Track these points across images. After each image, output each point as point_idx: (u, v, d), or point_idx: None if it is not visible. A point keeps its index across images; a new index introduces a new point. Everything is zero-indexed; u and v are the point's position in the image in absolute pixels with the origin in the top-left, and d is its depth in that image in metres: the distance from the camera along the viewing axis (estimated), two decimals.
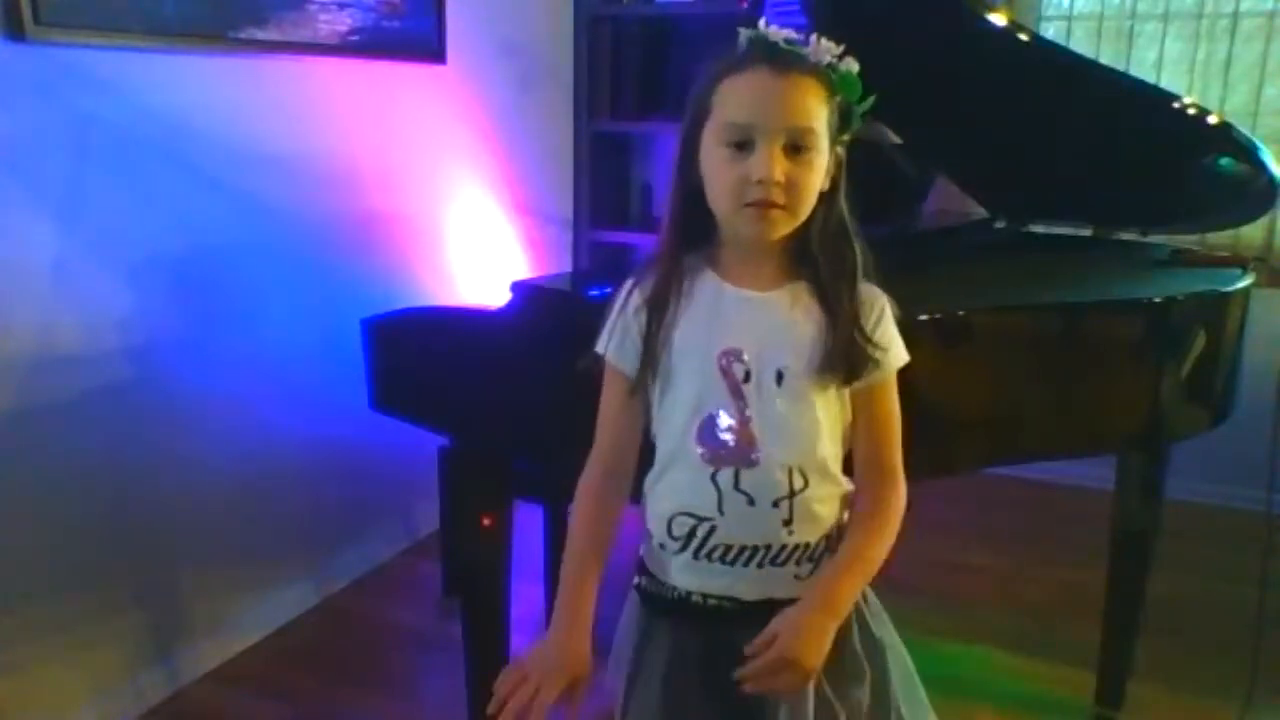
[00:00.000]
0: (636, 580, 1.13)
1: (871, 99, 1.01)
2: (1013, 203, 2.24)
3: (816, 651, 0.97)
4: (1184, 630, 2.26)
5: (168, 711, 1.97)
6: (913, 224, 2.28)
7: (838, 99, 0.99)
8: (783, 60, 0.96)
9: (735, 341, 1.01)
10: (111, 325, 1.83)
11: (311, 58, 2.19)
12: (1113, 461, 1.92)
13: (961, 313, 1.43)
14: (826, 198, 1.01)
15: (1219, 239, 2.70)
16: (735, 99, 0.97)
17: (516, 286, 1.58)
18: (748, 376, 1.00)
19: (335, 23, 2.22)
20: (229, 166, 2.02)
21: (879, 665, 1.10)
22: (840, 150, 1.01)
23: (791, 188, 0.96)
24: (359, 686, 2.08)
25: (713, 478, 1.01)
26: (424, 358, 1.69)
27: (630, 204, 3.46)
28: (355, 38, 2.28)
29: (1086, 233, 2.22)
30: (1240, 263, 1.88)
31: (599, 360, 1.08)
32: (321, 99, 2.25)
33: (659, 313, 1.03)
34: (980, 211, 2.35)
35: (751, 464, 1.00)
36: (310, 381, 2.27)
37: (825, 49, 0.98)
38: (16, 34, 1.59)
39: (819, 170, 0.98)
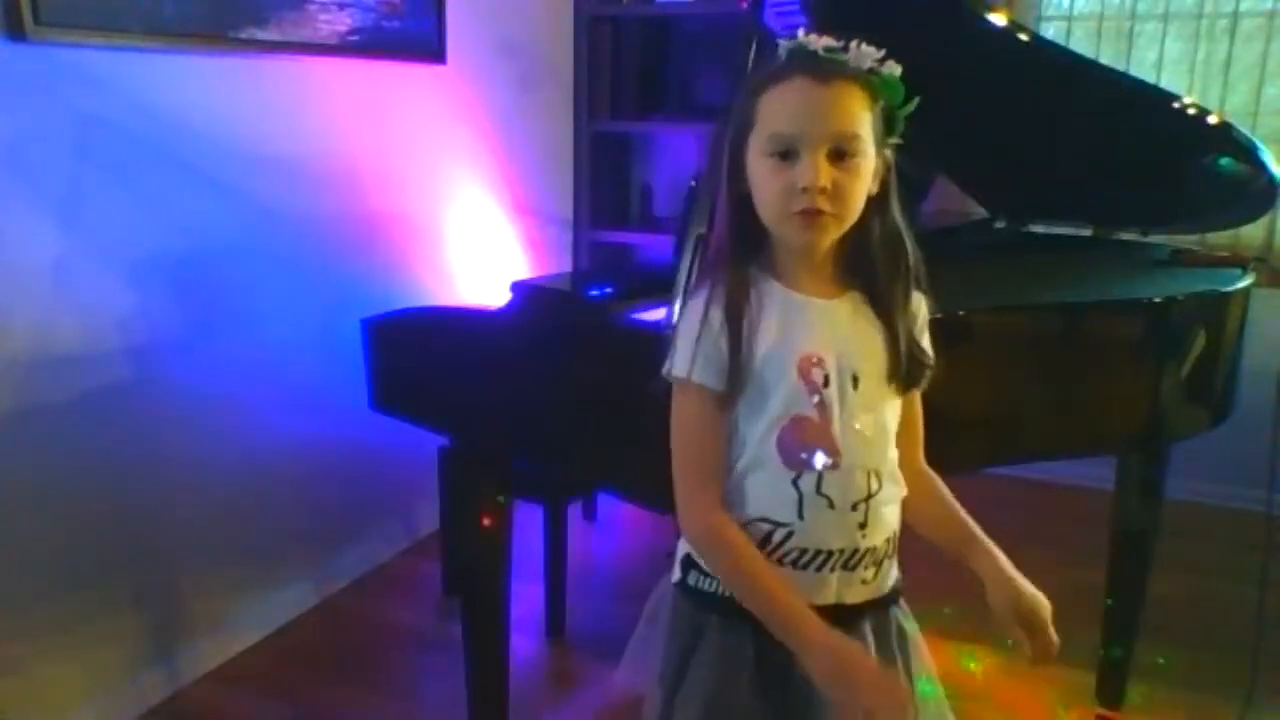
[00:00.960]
0: (679, 577, 1.11)
1: (915, 101, 1.02)
2: (1013, 203, 2.24)
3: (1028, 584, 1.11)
4: (1184, 630, 2.26)
5: (168, 711, 1.97)
6: (912, 224, 2.28)
7: (880, 103, 0.99)
8: (823, 68, 0.97)
9: (813, 347, 1.02)
10: (111, 325, 1.83)
11: (311, 58, 2.19)
12: (1113, 461, 1.92)
13: (961, 313, 1.43)
14: (878, 202, 1.02)
15: (1219, 239, 2.70)
16: (778, 109, 0.98)
17: (516, 286, 1.58)
18: (827, 381, 1.01)
19: (335, 23, 2.21)
20: (229, 166, 2.02)
21: (905, 657, 1.13)
22: (888, 154, 1.02)
23: (838, 195, 0.96)
24: (359, 686, 2.08)
25: (794, 482, 1.01)
26: (424, 358, 1.69)
27: (630, 204, 3.46)
28: (355, 38, 2.28)
29: (1086, 233, 2.22)
30: (1240, 263, 1.88)
31: (666, 384, 1.06)
32: (321, 99, 2.25)
33: (738, 325, 1.02)
34: (980, 211, 2.35)
35: (834, 468, 1.01)
36: (310, 381, 2.27)
37: (866, 54, 0.99)
38: (16, 34, 1.59)
39: (865, 176, 0.99)
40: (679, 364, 1.03)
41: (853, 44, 0.99)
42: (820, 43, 0.98)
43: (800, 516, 1.02)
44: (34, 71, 1.65)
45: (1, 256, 1.63)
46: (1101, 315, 1.59)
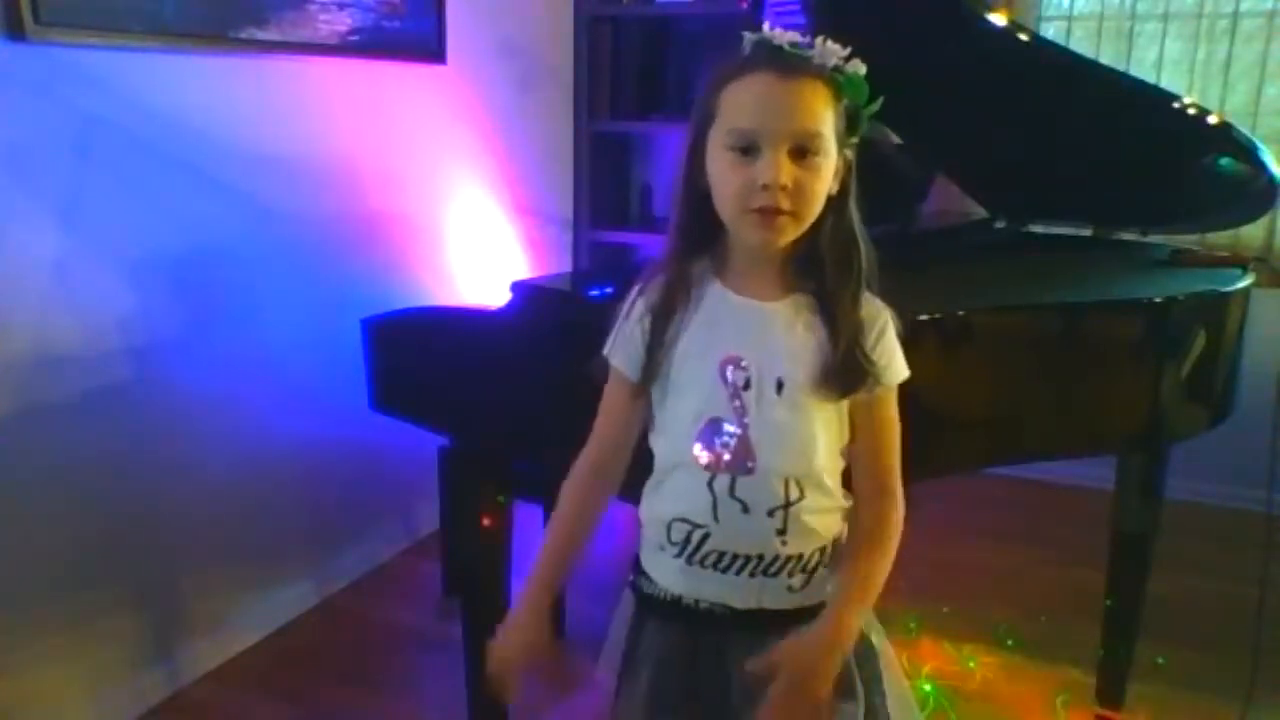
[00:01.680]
0: (631, 578, 1.14)
1: (879, 102, 1.00)
2: (1013, 203, 2.24)
3: (824, 682, 0.98)
4: (1184, 630, 2.26)
5: (168, 711, 1.97)
6: (913, 224, 2.28)
7: (845, 102, 0.98)
8: (788, 63, 0.95)
9: (737, 349, 1.01)
10: (111, 325, 1.83)
11: (311, 58, 2.19)
12: (1113, 461, 1.92)
13: (961, 313, 1.43)
14: (836, 202, 1.00)
15: (1219, 239, 2.70)
16: (740, 103, 0.96)
17: (516, 286, 1.58)
18: (748, 384, 1.00)
19: (335, 23, 2.22)
20: (229, 166, 2.02)
21: (872, 671, 1.10)
22: (848, 154, 1.00)
23: (798, 193, 0.95)
24: (359, 686, 2.08)
25: (709, 484, 1.01)
26: (424, 358, 1.69)
27: (630, 204, 3.46)
28: (355, 38, 2.28)
29: (1086, 233, 2.22)
30: (1240, 263, 1.88)
31: (605, 363, 1.08)
32: (321, 99, 2.25)
33: (664, 319, 1.02)
34: (980, 211, 2.35)
35: (748, 472, 1.00)
36: (310, 381, 2.27)
37: (831, 51, 0.97)
38: (16, 34, 1.59)
39: (826, 175, 0.97)
40: (607, 344, 1.08)
41: (818, 40, 0.97)
42: (785, 37, 0.96)
43: (715, 519, 1.02)
44: (34, 71, 1.65)
45: (1, 256, 1.63)
46: (1101, 315, 1.59)
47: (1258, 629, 1.89)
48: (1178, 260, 1.99)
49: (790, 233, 0.98)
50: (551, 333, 1.51)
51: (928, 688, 2.00)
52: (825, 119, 0.96)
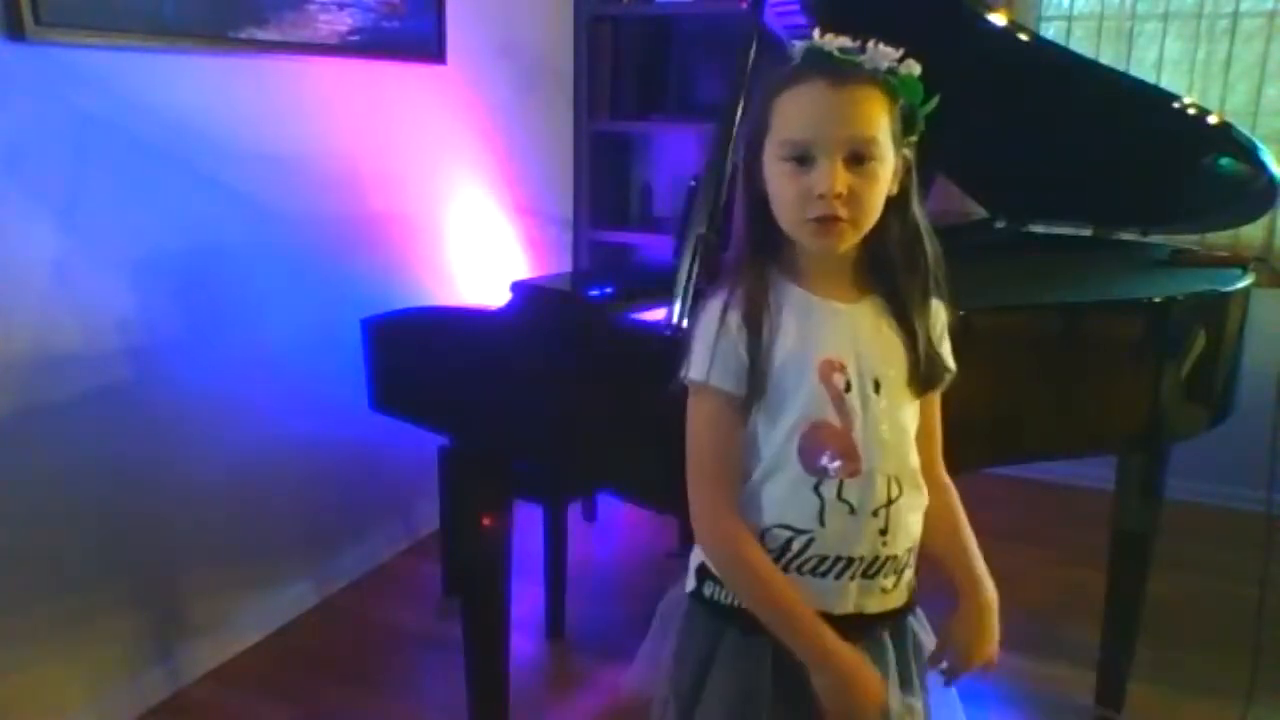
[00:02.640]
0: (694, 587, 1.10)
1: (935, 100, 1.00)
2: (1013, 203, 2.24)
3: (994, 643, 1.11)
4: (1184, 630, 2.26)
5: (168, 711, 1.97)
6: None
7: (900, 103, 0.98)
8: (839, 70, 0.95)
9: (834, 352, 1.00)
10: (111, 325, 1.83)
11: (311, 58, 2.19)
12: (1113, 461, 1.92)
13: (961, 313, 1.42)
14: (897, 203, 1.01)
15: (1219, 239, 2.70)
16: (793, 114, 0.96)
17: (516, 286, 1.58)
18: (849, 386, 1.00)
19: (335, 23, 2.22)
20: (229, 166, 2.02)
21: (923, 675, 1.11)
22: (907, 153, 1.01)
23: (855, 200, 0.95)
24: (359, 686, 2.08)
25: (815, 488, 1.00)
26: (424, 358, 1.69)
27: (630, 204, 3.46)
28: (355, 38, 2.28)
29: (1086, 233, 2.22)
30: (1240, 263, 1.88)
31: (682, 387, 1.04)
32: (321, 99, 2.25)
33: (756, 329, 1.00)
34: (980, 211, 2.35)
35: (855, 473, 1.00)
36: (310, 381, 2.27)
37: (883, 54, 0.97)
38: (16, 34, 1.59)
39: (883, 180, 0.97)
40: (696, 367, 1.02)
41: (869, 44, 0.97)
42: (835, 43, 0.96)
43: (821, 523, 1.00)
44: (34, 71, 1.65)
45: (1, 256, 1.63)
46: (1101, 315, 1.59)
47: (1258, 629, 1.89)
48: (1178, 260, 1.99)
49: (849, 239, 0.98)
50: (551, 333, 1.51)
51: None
52: (880, 124, 0.96)
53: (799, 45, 0.98)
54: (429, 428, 1.71)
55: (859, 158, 0.95)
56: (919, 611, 1.14)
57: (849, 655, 1.00)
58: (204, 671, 2.08)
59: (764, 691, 1.04)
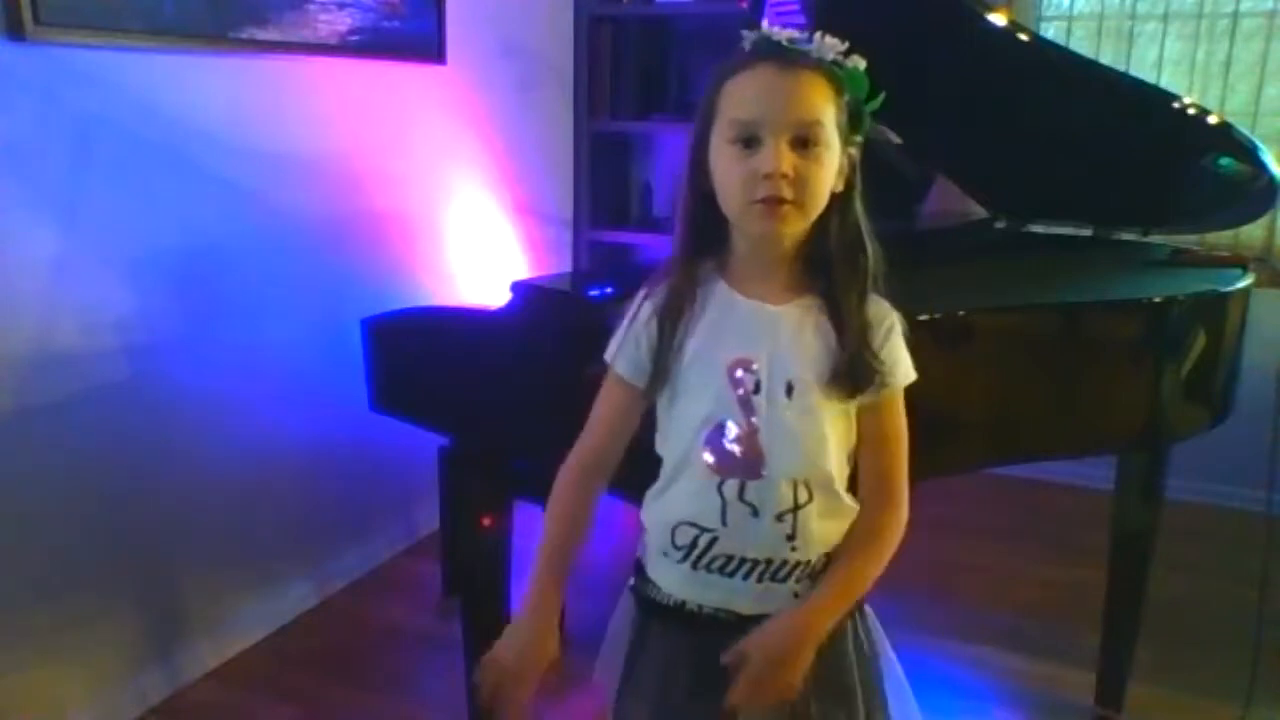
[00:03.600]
0: (632, 582, 1.13)
1: (880, 97, 1.00)
2: (1013, 202, 2.24)
3: (795, 667, 0.98)
4: (1184, 630, 2.26)
5: (168, 711, 1.97)
6: (913, 224, 2.28)
7: (846, 97, 0.98)
8: (787, 57, 0.96)
9: (746, 352, 1.00)
10: (111, 325, 1.83)
11: (311, 58, 2.19)
12: (1113, 461, 1.92)
13: (961, 313, 1.43)
14: (840, 201, 1.00)
15: (1219, 239, 2.70)
16: (741, 96, 0.97)
17: (516, 286, 1.58)
18: (758, 387, 1.00)
19: (335, 23, 2.22)
20: (229, 166, 2.02)
21: (873, 678, 1.10)
22: (853, 152, 1.00)
23: (800, 182, 0.95)
24: (359, 686, 2.08)
25: (718, 488, 1.00)
26: (424, 358, 1.69)
27: (630, 204, 3.46)
28: (355, 38, 2.28)
29: (1086, 233, 2.22)
30: (1240, 263, 1.88)
31: (606, 367, 1.07)
32: (321, 99, 2.25)
33: (671, 322, 1.02)
34: (980, 211, 2.35)
35: (757, 475, 1.00)
36: (310, 381, 2.27)
37: (829, 46, 0.97)
38: (16, 34, 1.59)
39: (829, 167, 0.97)
40: (610, 347, 1.07)
41: (817, 35, 0.97)
42: (784, 34, 0.97)
43: (724, 522, 1.01)
44: (34, 71, 1.65)
45: (2, 256, 1.63)
46: (1101, 315, 1.59)
47: (1258, 629, 1.89)
48: (1178, 260, 1.99)
49: (795, 223, 0.97)
50: (551, 333, 1.51)
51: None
52: (825, 110, 0.96)
53: (748, 34, 0.99)
54: (429, 428, 1.71)
55: (804, 141, 0.95)
56: (866, 611, 1.12)
57: (517, 624, 1.08)
58: (204, 671, 2.08)
59: (680, 685, 1.06)
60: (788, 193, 0.94)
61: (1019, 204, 2.23)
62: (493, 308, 1.57)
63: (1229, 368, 1.73)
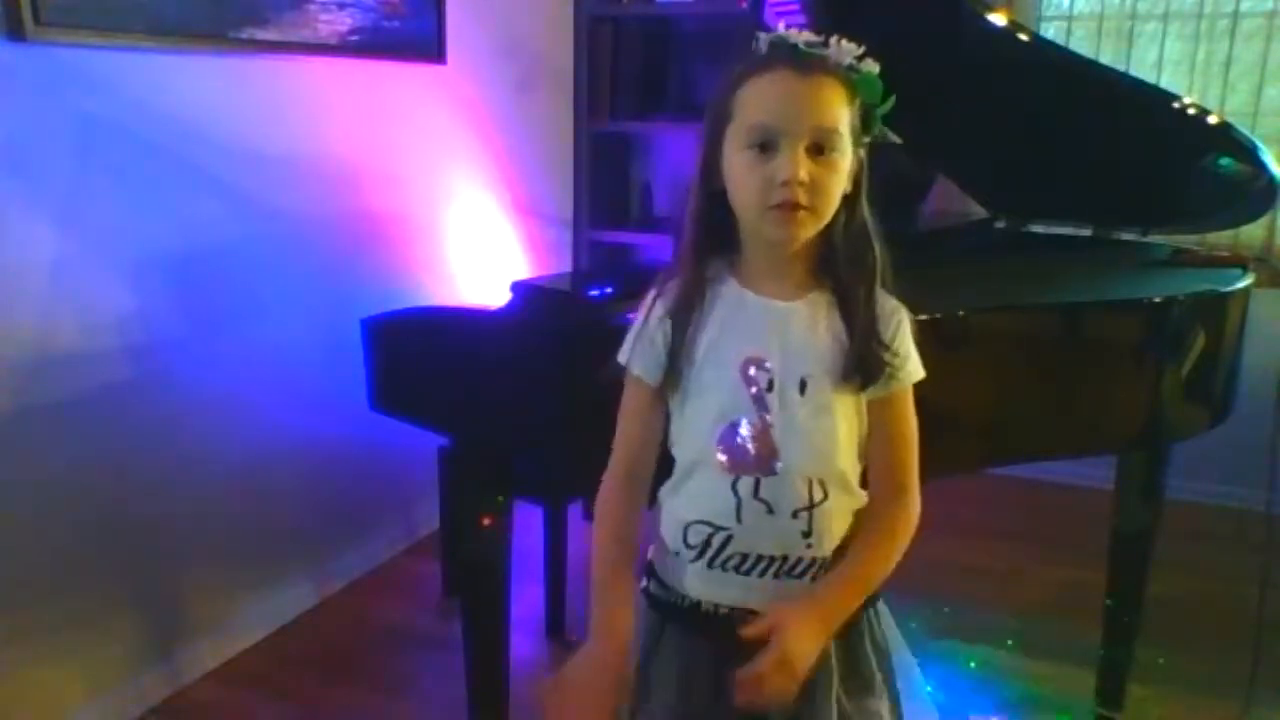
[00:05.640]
0: (644, 584, 1.13)
1: (892, 100, 1.00)
2: (1013, 203, 2.24)
3: (805, 657, 0.96)
4: (1184, 630, 2.26)
5: (168, 711, 1.97)
6: (913, 224, 2.28)
7: (859, 101, 0.98)
8: (804, 61, 0.96)
9: (758, 349, 1.00)
10: (111, 325, 1.83)
11: (312, 58, 2.19)
12: (1113, 461, 1.92)
13: (961, 313, 1.43)
14: (849, 200, 1.00)
15: (1219, 239, 2.70)
16: (758, 101, 0.96)
17: (516, 286, 1.58)
18: (771, 385, 1.00)
19: (335, 23, 2.22)
20: (229, 166, 2.02)
21: (887, 673, 1.10)
22: (862, 153, 1.01)
23: (816, 189, 0.95)
24: (359, 686, 2.08)
25: (733, 486, 1.00)
26: (424, 358, 1.69)
27: (630, 204, 3.46)
28: (355, 38, 2.28)
29: (1086, 233, 2.22)
30: (1240, 263, 1.88)
31: (620, 370, 1.07)
32: (322, 99, 2.25)
33: (682, 322, 1.02)
34: (980, 211, 2.35)
35: (772, 473, 1.00)
36: (310, 381, 2.27)
37: (846, 50, 0.97)
38: (16, 34, 1.59)
39: (842, 172, 0.97)
40: (623, 351, 1.06)
41: (833, 39, 0.97)
42: (801, 37, 0.97)
43: (739, 520, 1.01)
44: (34, 71, 1.65)
45: (1, 256, 1.63)
46: (1101, 315, 1.59)
47: (1258, 629, 1.89)
48: (1178, 260, 1.99)
49: (809, 228, 0.98)
50: (551, 333, 1.51)
51: (928, 689, 2.00)
52: (842, 116, 0.96)
53: (764, 36, 0.99)
54: (429, 428, 1.71)
55: (821, 148, 0.95)
56: (879, 607, 1.12)
57: (595, 644, 1.03)
58: (204, 671, 2.08)
59: (702, 688, 1.05)
60: (804, 199, 0.95)
61: (1019, 204, 2.23)
62: (493, 308, 1.57)
63: (1229, 368, 1.73)
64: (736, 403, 1.00)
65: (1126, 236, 2.18)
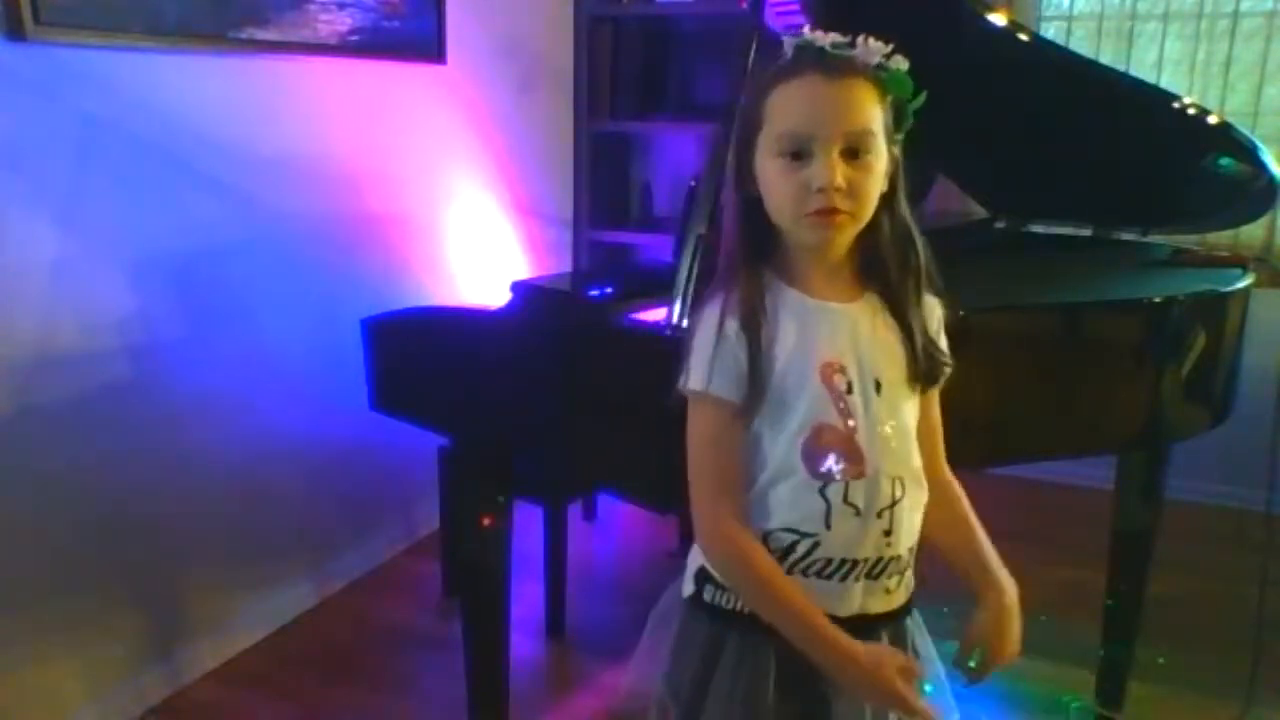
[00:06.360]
0: (693, 591, 1.09)
1: (924, 95, 1.00)
2: (1013, 203, 2.24)
3: (1015, 644, 1.10)
4: (1184, 630, 2.26)
5: (168, 711, 1.97)
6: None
7: (890, 98, 0.98)
8: (833, 64, 0.95)
9: (834, 354, 1.00)
10: (111, 325, 1.83)
11: (312, 58, 2.19)
12: (1113, 461, 1.92)
13: (961, 313, 1.42)
14: (887, 200, 1.00)
15: (1219, 239, 2.70)
16: (789, 107, 0.96)
17: (516, 286, 1.58)
18: (850, 388, 0.99)
19: (335, 23, 2.22)
20: (229, 166, 2.02)
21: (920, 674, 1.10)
22: (896, 150, 1.00)
23: (853, 192, 0.95)
24: (359, 686, 2.08)
25: (821, 492, 0.99)
26: (424, 358, 1.69)
27: (630, 204, 3.46)
28: (355, 38, 2.28)
29: (1086, 233, 2.22)
30: (1240, 263, 1.88)
31: (682, 398, 1.03)
32: (321, 99, 2.25)
33: (755, 334, 0.99)
34: (980, 211, 2.35)
35: (862, 475, 0.99)
36: (310, 381, 2.27)
37: (874, 49, 0.97)
38: (16, 34, 1.59)
39: (878, 173, 0.97)
40: (695, 377, 1.00)
41: (859, 39, 0.97)
42: (828, 39, 0.96)
43: (827, 526, 1.00)
44: (34, 71, 1.65)
45: (1, 256, 1.63)
46: (1101, 315, 1.59)
47: (1258, 629, 1.89)
48: (1178, 260, 1.99)
49: (849, 232, 0.98)
50: (551, 333, 1.51)
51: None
52: (875, 117, 0.96)
53: (790, 41, 0.98)
54: (429, 428, 1.72)
55: (855, 151, 0.95)
56: (916, 614, 1.13)
57: (865, 652, 0.99)
58: (204, 671, 2.08)
59: (768, 694, 1.03)
60: (842, 204, 0.95)
61: (1019, 204, 2.24)
62: (492, 308, 1.58)
63: (1229, 368, 1.73)
64: (820, 408, 0.99)
65: (1126, 236, 2.18)
